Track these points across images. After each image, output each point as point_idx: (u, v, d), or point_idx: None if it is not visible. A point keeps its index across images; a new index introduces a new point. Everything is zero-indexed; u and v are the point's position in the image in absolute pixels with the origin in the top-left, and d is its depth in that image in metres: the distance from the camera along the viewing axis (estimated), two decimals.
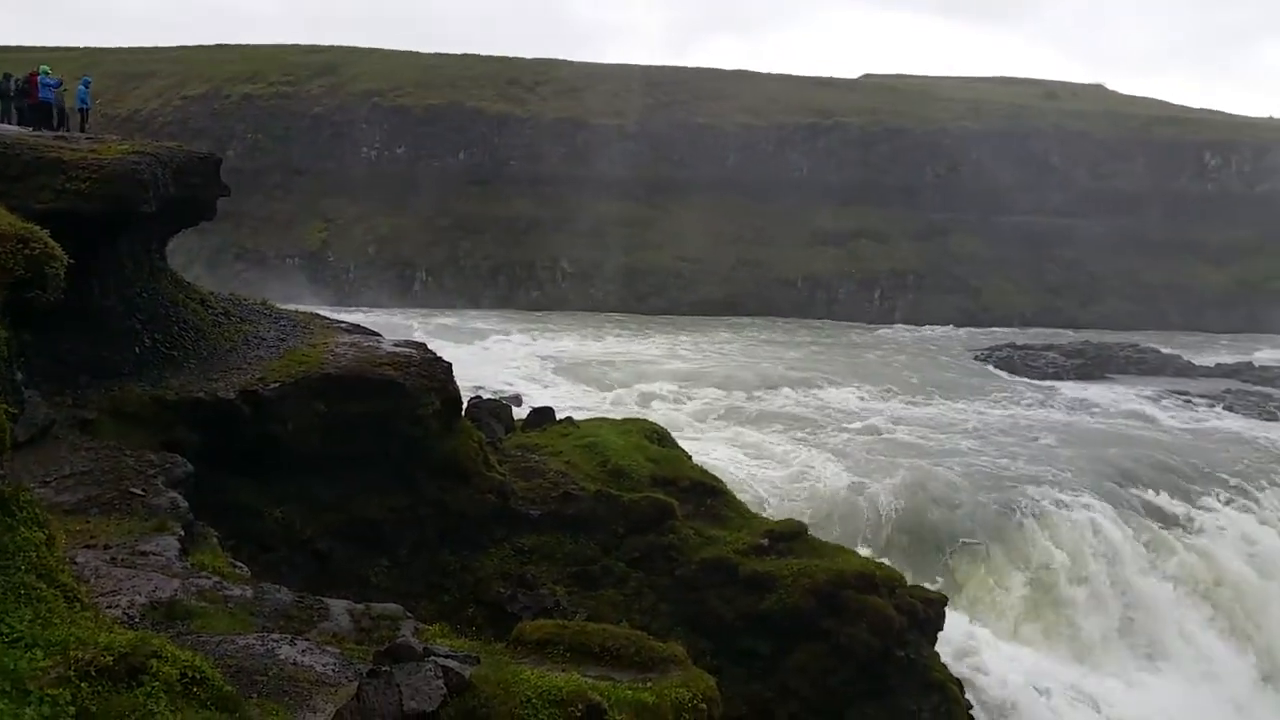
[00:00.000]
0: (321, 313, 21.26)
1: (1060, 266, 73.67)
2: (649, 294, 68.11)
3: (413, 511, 15.67)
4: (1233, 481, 30.14)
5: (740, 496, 21.25)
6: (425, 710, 6.80)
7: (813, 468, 27.48)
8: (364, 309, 55.09)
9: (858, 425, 33.41)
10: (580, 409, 28.58)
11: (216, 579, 9.61)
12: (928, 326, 66.11)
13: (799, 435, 31.33)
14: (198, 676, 6.03)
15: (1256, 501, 29.42)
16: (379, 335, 18.66)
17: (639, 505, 17.81)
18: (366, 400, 15.30)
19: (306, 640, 8.46)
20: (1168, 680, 23.21)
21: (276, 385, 14.93)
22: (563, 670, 8.01)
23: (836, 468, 27.48)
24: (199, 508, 11.98)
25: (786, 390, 38.45)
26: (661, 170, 73.25)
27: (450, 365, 16.66)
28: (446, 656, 7.50)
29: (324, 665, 7.89)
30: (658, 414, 30.60)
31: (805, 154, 76.07)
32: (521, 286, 68.38)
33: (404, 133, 72.41)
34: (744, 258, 71.31)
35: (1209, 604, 25.33)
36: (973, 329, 65.40)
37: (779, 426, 32.43)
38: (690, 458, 21.03)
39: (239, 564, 11.17)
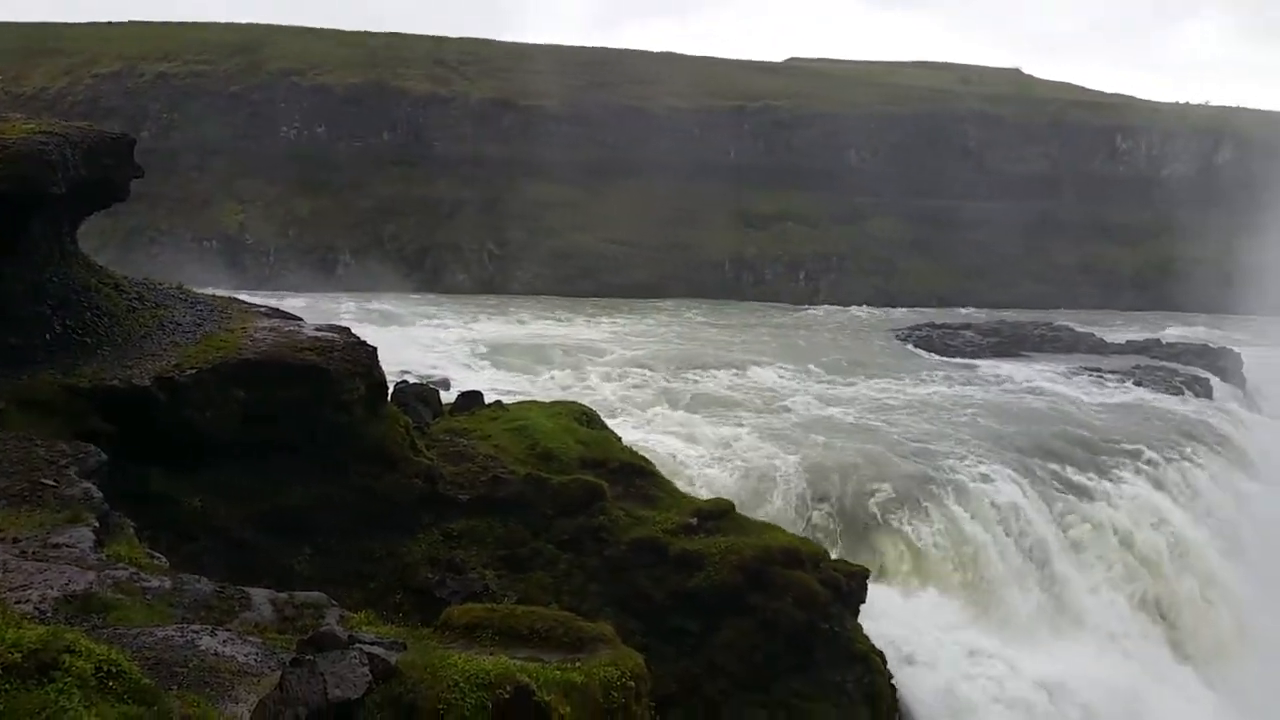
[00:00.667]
0: (241, 297, 20.76)
1: (977, 248, 75.44)
2: (578, 276, 67.90)
3: (337, 498, 15.47)
4: (1140, 453, 31.42)
5: (670, 476, 21.43)
6: (350, 698, 6.78)
7: (742, 446, 27.83)
8: (285, 293, 53.90)
9: (785, 404, 33.90)
10: (509, 392, 28.47)
11: (133, 570, 9.39)
12: (851, 307, 67.23)
13: (728, 415, 31.66)
14: (114, 670, 5.91)
15: (1162, 472, 30.74)
16: (300, 319, 18.32)
17: (568, 487, 17.88)
18: (288, 386, 15.04)
19: (228, 630, 8.34)
20: (1080, 645, 24.19)
21: (193, 371, 14.58)
22: (491, 654, 8.04)
23: (765, 446, 27.86)
24: (115, 498, 11.67)
25: (715, 371, 38.77)
26: (590, 152, 72.92)
27: (375, 349, 16.46)
28: (372, 643, 7.48)
29: (246, 655, 7.78)
30: (587, 396, 30.63)
31: (732, 137, 76.49)
32: (448, 269, 67.60)
33: (325, 112, 70.75)
34: (672, 240, 71.52)
35: (1118, 570, 26.43)
36: (893, 309, 66.70)
37: (709, 406, 32.73)
38: (620, 439, 21.15)
39: (157, 555, 10.92)
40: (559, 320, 53.28)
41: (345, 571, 15.27)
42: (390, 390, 17.68)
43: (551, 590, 16.88)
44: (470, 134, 72.08)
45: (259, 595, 9.52)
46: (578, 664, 8.10)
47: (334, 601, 9.98)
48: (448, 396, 22.64)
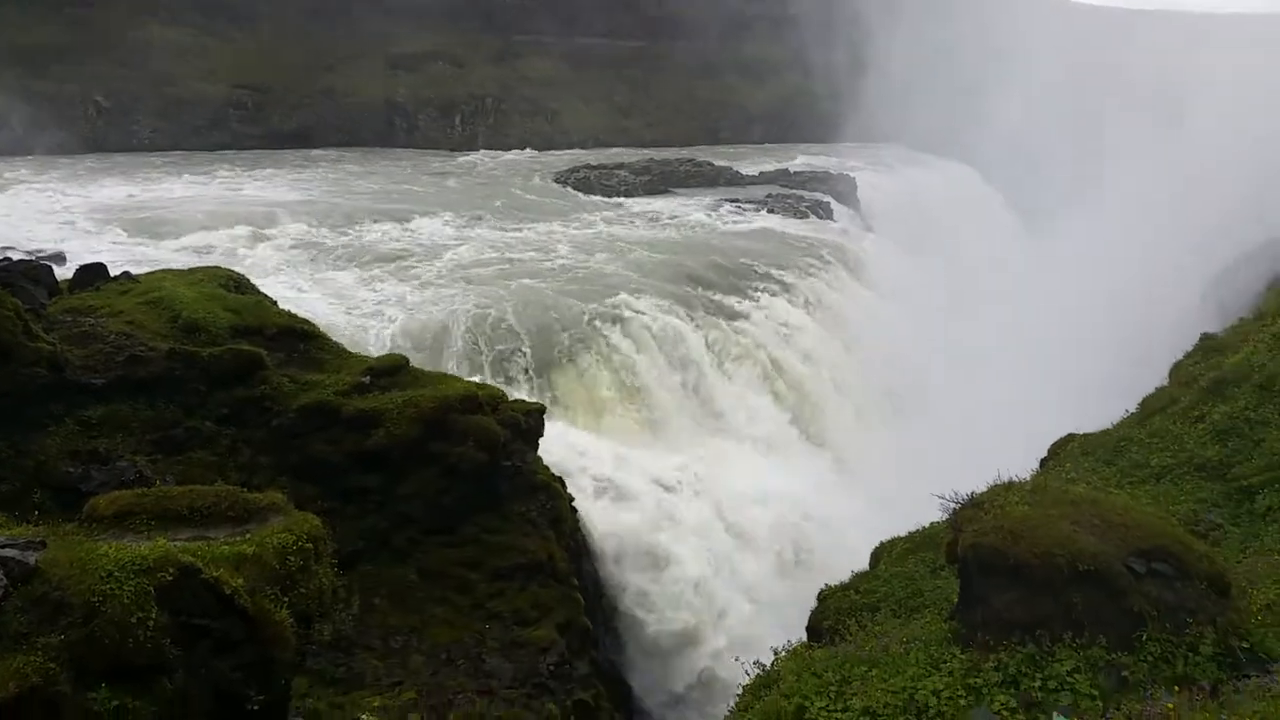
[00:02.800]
0: None
1: (628, 87, 77.28)
2: (208, 128, 61.52)
3: None
4: (774, 273, 34.75)
5: (338, 337, 20.70)
6: None
7: (412, 299, 27.36)
8: None
9: (450, 254, 33.54)
10: (140, 263, 25.73)
11: None
12: (511, 151, 66.87)
13: (392, 268, 30.83)
14: None
15: (791, 287, 34.28)
16: None
17: (221, 359, 16.73)
18: None
19: None
20: (737, 447, 27.00)
21: None
22: (149, 539, 7.52)
23: (433, 297, 27.59)
24: None
25: (377, 224, 37.34)
26: None
27: None
28: (4, 546, 6.71)
29: None
30: (234, 260, 28.41)
31: None
32: (47, 128, 58.28)
33: None
34: (316, 85, 66.47)
35: (759, 377, 29.51)
36: (552, 151, 67.27)
37: (370, 261, 31.63)
38: (276, 303, 19.95)
39: None
40: (193, 178, 48.23)
41: None
42: None
43: (216, 469, 15.99)
44: None
45: None
46: (248, 535, 7.81)
47: None
48: (63, 272, 19.99)
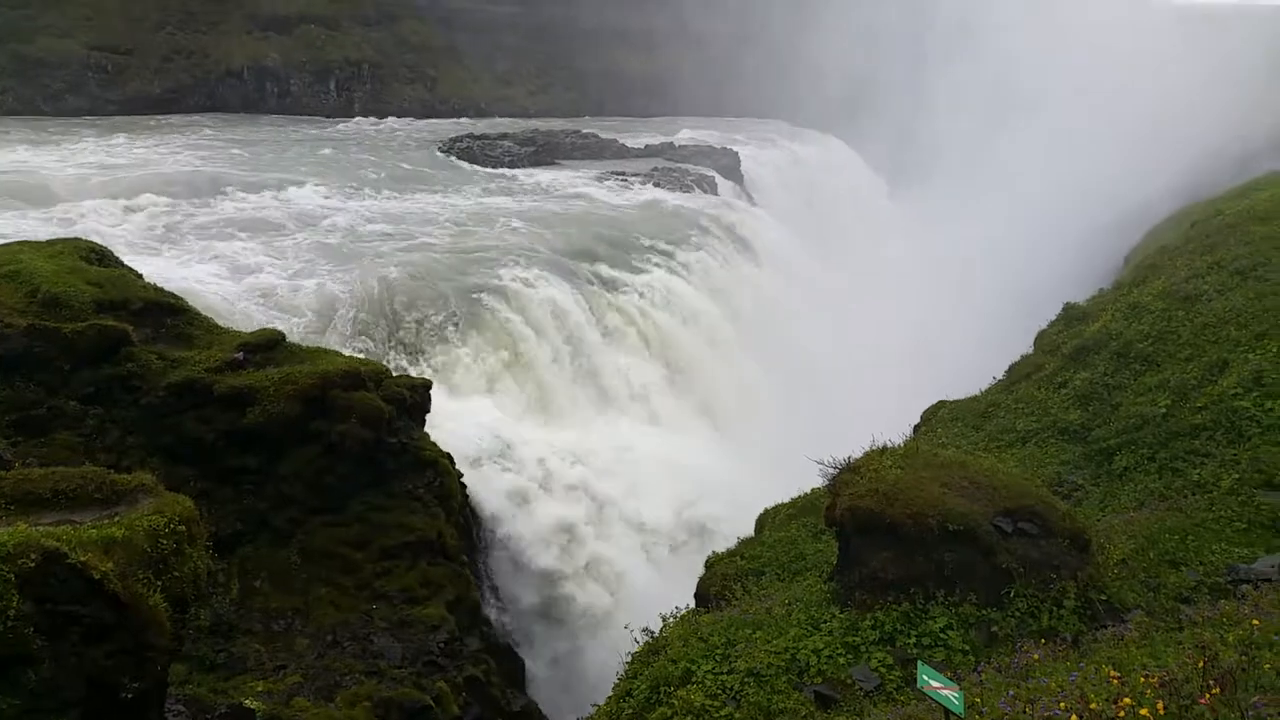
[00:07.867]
0: None
1: (508, 55, 75.95)
2: (62, 92, 57.77)
3: None
4: (659, 246, 34.95)
5: (207, 312, 19.88)
6: None
7: (288, 271, 26.44)
8: None
9: (327, 225, 32.51)
10: None
11: None
12: (390, 119, 65.06)
13: (264, 240, 29.70)
14: None
15: (679, 261, 34.58)
16: None
17: (84, 335, 15.90)
18: None
19: None
20: (622, 417, 27.17)
21: None
22: (8, 524, 7.10)
23: (311, 269, 26.74)
24: None
25: (245, 194, 35.83)
26: None
27: None
28: None
29: None
30: (95, 231, 26.89)
31: None
32: None
33: None
34: (179, 47, 63.13)
35: (645, 350, 29.74)
36: (433, 120, 65.76)
37: (244, 232, 30.38)
38: (141, 276, 19.01)
39: None
40: (45, 145, 45.23)
41: None
42: None
43: (82, 450, 15.24)
44: None
45: None
46: (116, 518, 7.46)
47: None
48: None
